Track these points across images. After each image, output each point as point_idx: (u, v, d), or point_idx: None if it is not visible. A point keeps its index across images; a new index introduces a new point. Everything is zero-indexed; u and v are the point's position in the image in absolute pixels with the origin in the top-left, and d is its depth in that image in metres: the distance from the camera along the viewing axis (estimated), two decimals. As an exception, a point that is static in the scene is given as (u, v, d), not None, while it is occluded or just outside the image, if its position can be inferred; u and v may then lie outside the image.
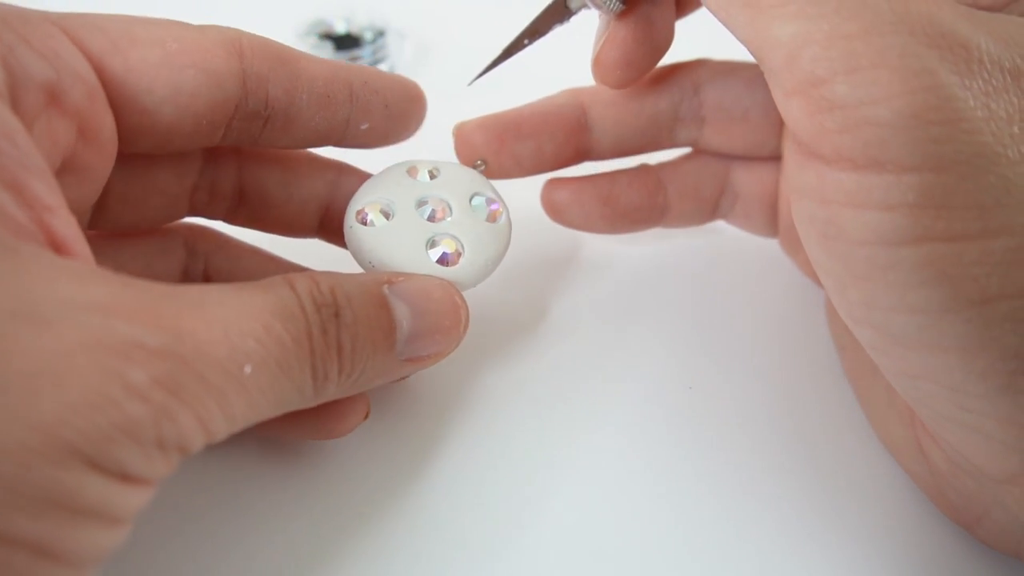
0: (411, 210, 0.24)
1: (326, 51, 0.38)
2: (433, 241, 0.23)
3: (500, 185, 0.26)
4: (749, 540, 0.23)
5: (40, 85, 0.18)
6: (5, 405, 0.14)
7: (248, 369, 0.16)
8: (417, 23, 0.42)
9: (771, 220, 0.29)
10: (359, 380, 0.20)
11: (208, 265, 0.25)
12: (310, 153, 0.26)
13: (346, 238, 0.23)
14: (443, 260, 0.23)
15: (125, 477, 0.15)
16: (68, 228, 0.17)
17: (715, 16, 0.20)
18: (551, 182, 0.28)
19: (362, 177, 0.26)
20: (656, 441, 0.26)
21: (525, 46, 0.26)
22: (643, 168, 0.29)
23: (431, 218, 0.24)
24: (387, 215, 0.23)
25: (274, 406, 0.18)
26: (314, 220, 0.26)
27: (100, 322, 0.15)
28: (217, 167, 0.25)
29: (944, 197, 0.17)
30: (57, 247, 0.16)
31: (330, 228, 0.26)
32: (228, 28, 0.22)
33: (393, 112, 0.25)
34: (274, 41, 0.23)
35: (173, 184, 0.24)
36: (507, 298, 0.30)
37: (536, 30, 0.26)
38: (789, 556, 0.23)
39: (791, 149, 0.19)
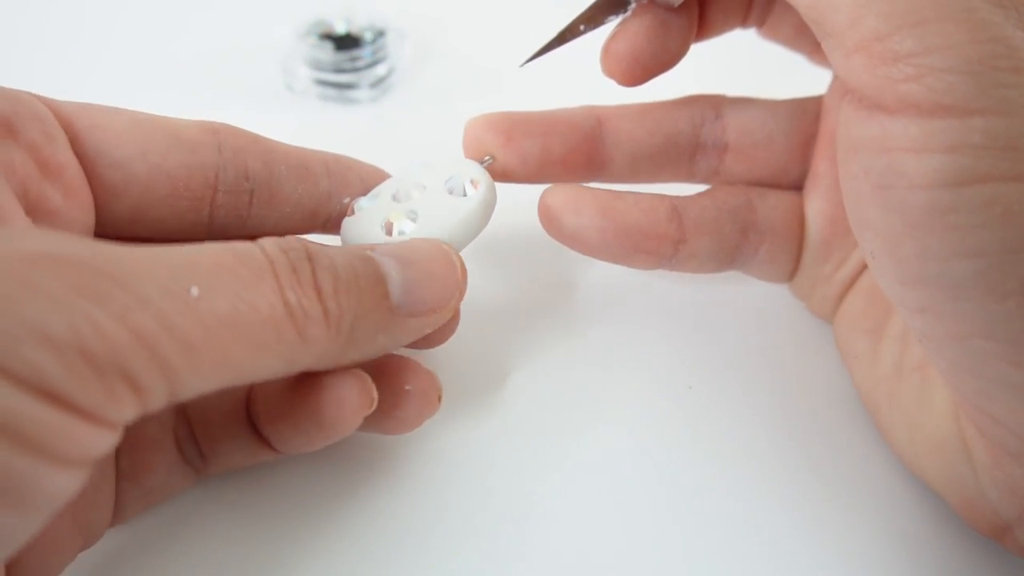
0: (387, 197, 0.24)
1: (326, 51, 0.38)
2: (388, 222, 0.24)
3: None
4: (752, 542, 0.23)
5: None
6: None
7: (195, 291, 0.15)
8: (417, 23, 0.42)
9: (794, 258, 0.28)
10: (358, 335, 0.19)
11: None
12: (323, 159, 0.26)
13: None
14: (389, 232, 0.23)
15: (47, 393, 0.13)
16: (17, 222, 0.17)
17: None
18: (549, 188, 0.26)
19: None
20: (657, 440, 0.26)
21: (581, 32, 0.25)
22: (656, 194, 0.27)
23: (397, 199, 0.24)
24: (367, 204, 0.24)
25: (251, 347, 0.16)
26: (318, 214, 0.26)
27: (4, 240, 0.14)
28: None
29: (1010, 138, 0.17)
30: None
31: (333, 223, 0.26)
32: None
33: (370, 184, 0.25)
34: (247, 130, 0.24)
35: None
36: (506, 299, 0.30)
37: (592, 17, 0.25)
38: (791, 558, 0.23)
39: (847, 108, 0.19)
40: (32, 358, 0.13)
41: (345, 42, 0.39)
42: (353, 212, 0.25)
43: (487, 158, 0.26)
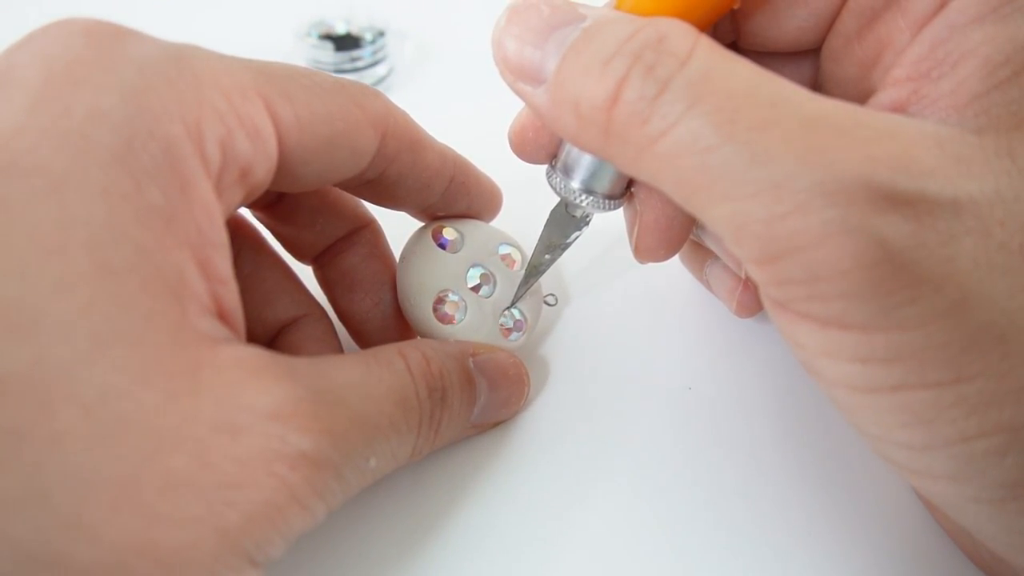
0: (467, 259, 0.26)
1: (326, 51, 0.38)
2: (446, 292, 0.25)
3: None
4: (752, 542, 0.24)
5: (241, 167, 0.19)
6: (201, 515, 0.16)
7: (373, 463, 0.19)
8: (417, 23, 0.42)
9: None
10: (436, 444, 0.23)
11: (234, 262, 0.25)
12: (357, 201, 0.27)
13: (422, 328, 0.25)
14: (440, 303, 0.25)
15: (266, 564, 0.17)
16: (231, 298, 0.19)
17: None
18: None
19: (381, 240, 0.27)
20: (656, 441, 0.26)
21: (550, 261, 0.25)
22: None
23: (472, 270, 0.26)
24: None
25: (372, 480, 0.20)
26: (317, 250, 0.26)
27: (275, 431, 0.17)
28: None
29: (915, 352, 0.16)
30: (221, 315, 0.18)
31: (322, 262, 0.27)
32: (379, 100, 0.23)
33: (469, 212, 0.27)
34: (412, 122, 0.24)
35: None
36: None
37: (552, 243, 0.25)
38: (792, 558, 0.23)
39: (762, 294, 0.19)
40: (274, 554, 0.17)
41: (345, 42, 0.39)
42: (440, 238, 0.26)
43: (552, 297, 0.27)
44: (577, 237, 0.25)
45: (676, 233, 0.23)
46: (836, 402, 0.19)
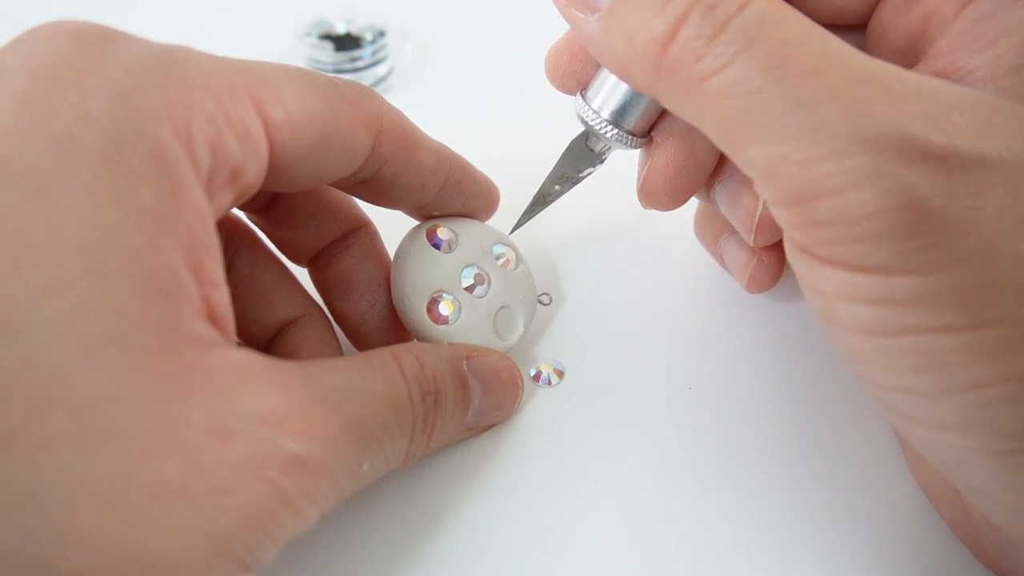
0: (460, 261, 0.26)
1: (326, 51, 0.38)
2: (439, 293, 0.25)
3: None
4: (752, 542, 0.23)
5: (231, 168, 0.19)
6: (192, 520, 0.16)
7: (366, 467, 0.20)
8: (417, 23, 0.42)
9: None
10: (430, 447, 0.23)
11: (231, 263, 0.25)
12: (352, 203, 0.27)
13: (416, 329, 0.25)
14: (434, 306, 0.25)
15: (257, 568, 0.17)
16: (223, 301, 0.19)
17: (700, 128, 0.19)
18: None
19: (376, 241, 0.27)
20: (656, 441, 0.26)
21: (559, 192, 0.26)
22: None
23: (466, 272, 0.26)
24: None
25: (365, 484, 0.20)
26: (312, 253, 0.26)
27: (267, 436, 0.17)
28: None
29: (933, 295, 0.17)
30: (213, 318, 0.18)
31: (317, 264, 0.27)
32: (373, 99, 0.23)
33: (464, 211, 0.27)
34: (406, 121, 0.24)
35: None
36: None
37: (565, 175, 0.26)
38: (792, 558, 0.23)
39: (786, 240, 0.19)
40: (266, 557, 0.17)
41: (345, 42, 0.39)
42: (435, 238, 0.26)
43: (546, 296, 0.28)
44: (590, 173, 0.25)
45: (682, 182, 0.24)
46: (849, 351, 0.19)
